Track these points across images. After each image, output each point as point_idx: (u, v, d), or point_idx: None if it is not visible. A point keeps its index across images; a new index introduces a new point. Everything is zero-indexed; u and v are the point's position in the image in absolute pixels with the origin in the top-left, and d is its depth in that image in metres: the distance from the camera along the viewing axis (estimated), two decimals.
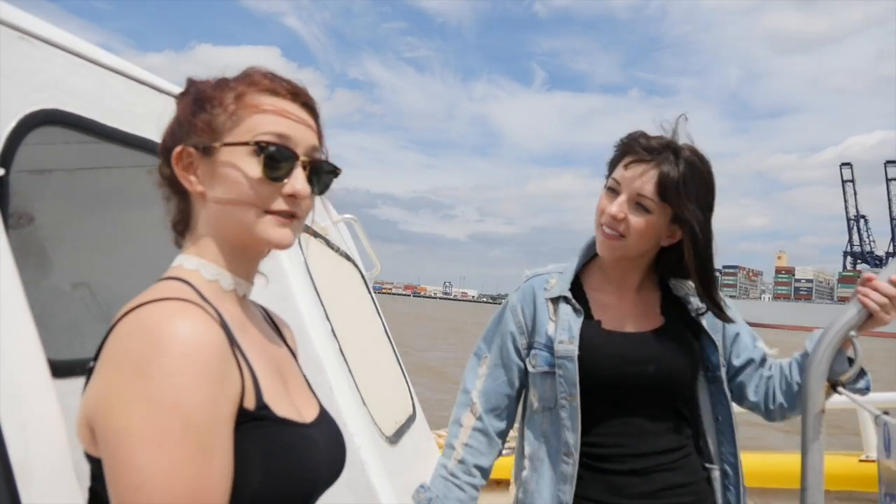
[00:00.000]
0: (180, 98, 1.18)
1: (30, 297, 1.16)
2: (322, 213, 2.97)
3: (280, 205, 1.12)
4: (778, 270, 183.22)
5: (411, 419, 2.98)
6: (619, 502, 1.87)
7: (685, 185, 1.82)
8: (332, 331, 2.39)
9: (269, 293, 2.16)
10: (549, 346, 1.94)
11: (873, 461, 3.41)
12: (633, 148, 1.87)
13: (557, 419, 1.92)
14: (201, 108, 1.13)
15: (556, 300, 1.98)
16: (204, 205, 1.13)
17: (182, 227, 1.18)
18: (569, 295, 1.97)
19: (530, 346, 2.00)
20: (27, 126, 1.33)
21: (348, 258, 3.14)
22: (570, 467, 1.88)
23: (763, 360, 2.04)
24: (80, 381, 0.99)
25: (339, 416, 2.18)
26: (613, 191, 1.88)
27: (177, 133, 1.15)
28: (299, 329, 2.21)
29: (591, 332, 1.92)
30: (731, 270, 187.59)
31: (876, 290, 1.78)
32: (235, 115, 1.12)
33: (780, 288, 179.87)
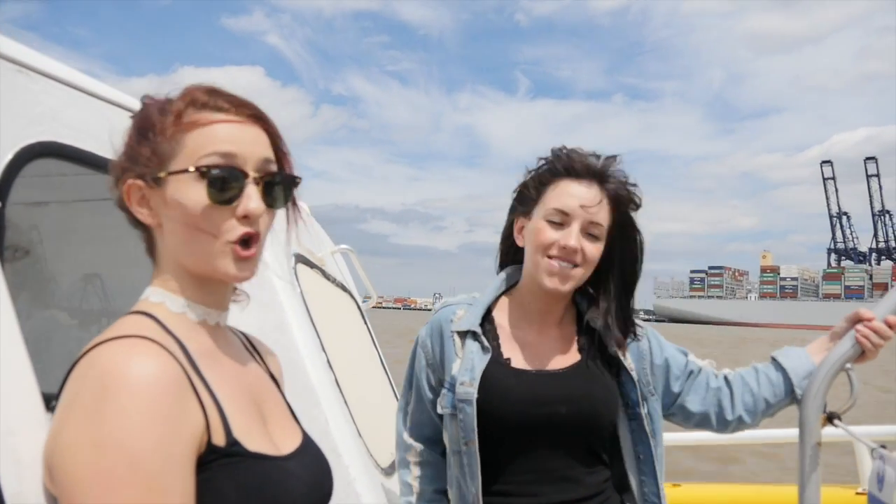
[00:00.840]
0: (132, 121, 1.14)
1: (24, 329, 1.16)
2: (318, 244, 2.97)
3: (236, 230, 1.07)
4: (763, 270, 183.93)
5: None
6: None
7: (634, 205, 1.83)
8: (328, 362, 2.39)
9: (264, 324, 2.16)
10: (453, 386, 1.82)
11: None
12: (575, 170, 1.79)
13: (461, 466, 1.81)
14: (144, 136, 1.09)
15: (463, 334, 1.86)
16: (161, 236, 1.11)
17: (151, 256, 1.15)
18: (478, 330, 1.84)
19: (440, 384, 1.89)
20: (23, 158, 1.33)
21: (344, 289, 3.14)
22: None
23: (700, 371, 1.95)
24: None
25: (334, 448, 2.17)
26: (559, 222, 1.77)
27: (124, 163, 1.11)
28: (295, 360, 2.21)
29: (498, 373, 1.80)
30: (717, 271, 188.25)
31: (875, 331, 1.79)
32: (175, 138, 1.06)
33: (765, 287, 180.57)
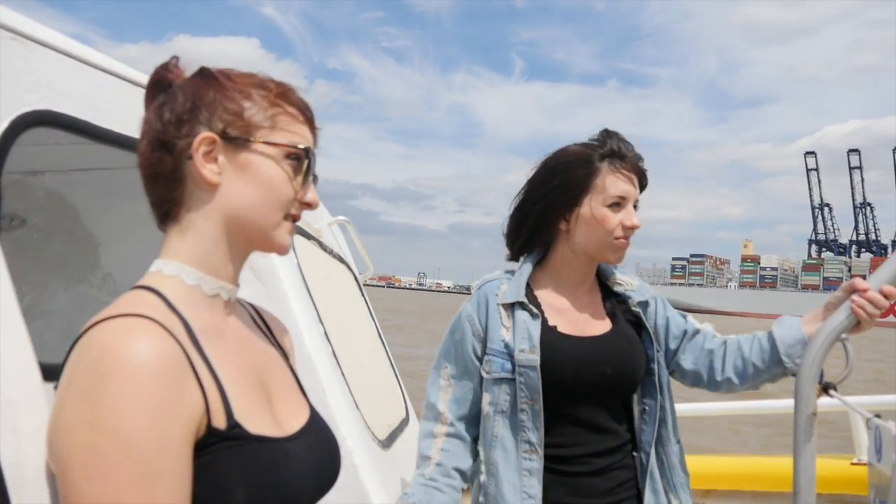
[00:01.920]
0: (195, 79, 1.12)
1: (21, 299, 1.15)
2: (315, 216, 2.96)
3: (297, 210, 1.15)
4: (744, 259, 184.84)
5: (404, 422, 2.98)
6: (581, 502, 1.94)
7: (646, 181, 2.09)
8: (325, 333, 2.39)
9: (261, 295, 2.16)
10: (505, 353, 1.98)
11: (865, 464, 3.42)
12: (620, 155, 2.01)
13: (515, 422, 1.96)
14: (228, 95, 1.10)
15: (509, 306, 2.03)
16: (210, 197, 1.09)
17: (165, 218, 1.13)
18: (525, 300, 2.02)
19: (484, 353, 2.04)
20: (19, 127, 1.32)
21: (341, 260, 3.14)
22: (536, 463, 1.93)
23: (697, 332, 2.13)
24: None
25: (331, 420, 2.18)
26: (618, 205, 1.99)
27: (192, 115, 1.09)
28: (292, 332, 2.21)
29: (551, 337, 1.98)
30: (699, 259, 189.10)
31: (871, 301, 1.80)
32: (268, 114, 1.11)
33: (745, 276, 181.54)
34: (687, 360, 2.11)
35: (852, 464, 3.55)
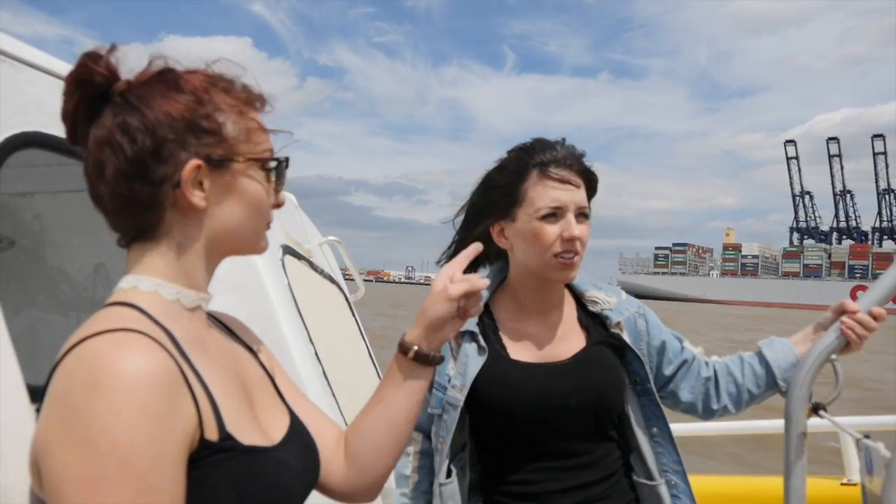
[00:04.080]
0: (156, 89, 1.04)
1: (9, 320, 1.15)
2: (306, 236, 2.96)
3: (272, 214, 1.16)
4: (725, 247, 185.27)
5: None
6: None
7: (596, 179, 1.87)
8: (316, 354, 2.38)
9: (252, 315, 2.15)
10: (444, 387, 1.85)
11: (855, 484, 3.42)
12: (546, 155, 1.80)
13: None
14: (203, 112, 1.05)
15: (459, 335, 1.85)
16: (193, 219, 1.06)
17: (134, 239, 1.08)
18: (475, 330, 1.85)
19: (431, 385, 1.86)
20: (8, 149, 1.32)
21: (332, 280, 3.13)
22: None
23: (693, 360, 1.99)
24: None
25: None
26: (553, 216, 1.77)
27: (172, 140, 1.02)
28: (282, 352, 2.20)
29: (505, 370, 1.82)
30: (681, 248, 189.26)
31: (860, 323, 1.80)
32: (241, 126, 1.08)
33: (727, 265, 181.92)
34: (684, 391, 1.97)
35: (842, 484, 3.54)
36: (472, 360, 1.83)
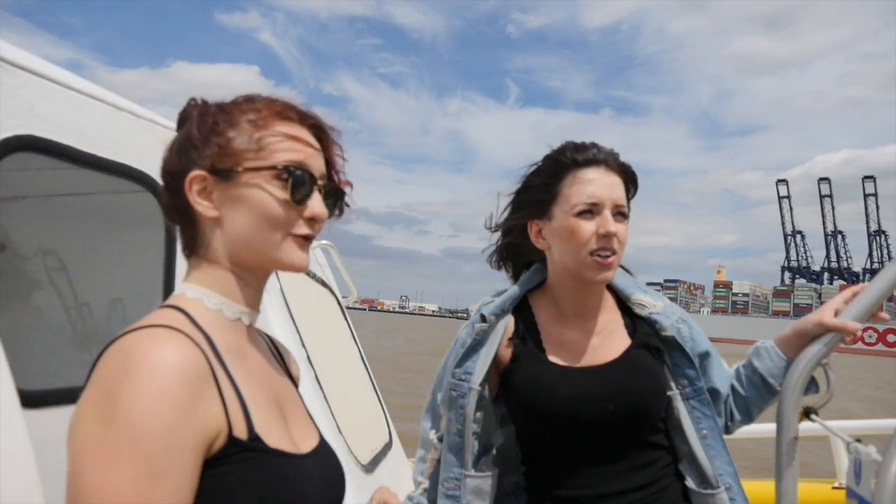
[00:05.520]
0: (192, 117, 1.15)
1: (1, 325, 1.15)
2: None
3: (301, 228, 1.14)
4: (716, 285, 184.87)
5: (387, 447, 2.96)
6: None
7: (637, 180, 1.87)
8: (308, 358, 2.38)
9: None
10: (469, 374, 1.86)
11: (846, 488, 3.44)
12: (586, 154, 1.80)
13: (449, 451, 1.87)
14: (215, 129, 1.12)
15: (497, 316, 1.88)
16: (216, 230, 1.13)
17: (189, 252, 1.17)
18: (494, 315, 1.88)
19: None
20: (1, 152, 1.31)
21: (324, 285, 3.13)
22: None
23: (732, 376, 1.96)
24: (52, 411, 0.98)
25: None
26: (589, 212, 1.76)
27: (186, 155, 1.12)
28: None
29: (543, 371, 1.81)
30: (672, 284, 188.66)
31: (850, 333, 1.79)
32: (254, 138, 1.12)
33: (718, 302, 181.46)
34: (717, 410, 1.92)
35: (833, 488, 3.56)
36: (487, 349, 1.85)
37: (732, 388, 1.95)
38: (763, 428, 3.80)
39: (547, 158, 1.86)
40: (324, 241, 3.16)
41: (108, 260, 1.80)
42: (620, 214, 1.78)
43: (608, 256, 1.76)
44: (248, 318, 1.17)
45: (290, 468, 1.07)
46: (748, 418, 1.97)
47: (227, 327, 1.12)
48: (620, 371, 1.81)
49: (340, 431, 2.38)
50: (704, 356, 1.92)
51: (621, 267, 1.95)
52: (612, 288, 1.95)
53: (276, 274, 2.44)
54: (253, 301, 1.18)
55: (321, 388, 2.38)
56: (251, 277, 1.16)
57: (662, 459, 1.85)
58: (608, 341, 1.87)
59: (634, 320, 1.91)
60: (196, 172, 1.10)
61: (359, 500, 2.26)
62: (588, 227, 1.75)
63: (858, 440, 1.75)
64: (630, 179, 1.85)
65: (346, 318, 3.29)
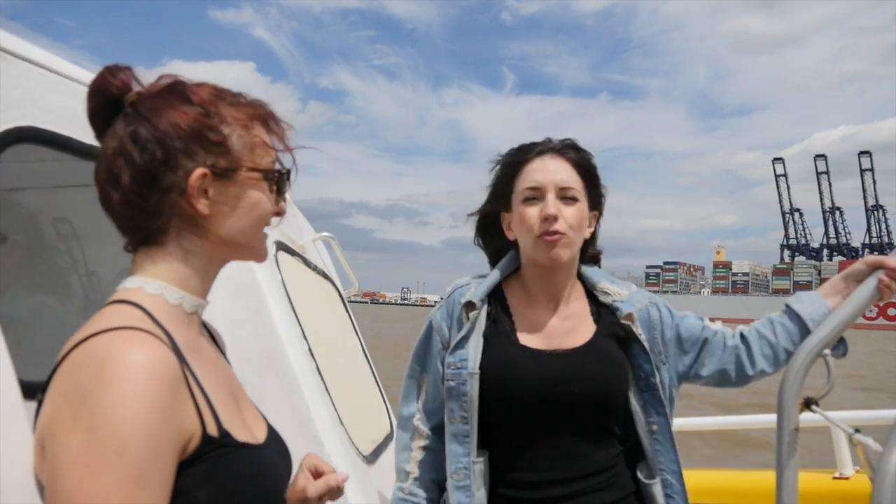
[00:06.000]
0: (166, 101, 1.10)
1: (1, 316, 1.15)
2: (300, 232, 2.96)
3: (273, 221, 1.20)
4: (716, 265, 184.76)
5: (389, 438, 2.96)
6: None
7: (595, 168, 1.94)
8: (310, 350, 2.38)
9: (246, 311, 2.15)
10: (465, 360, 1.87)
11: (846, 478, 3.44)
12: (534, 150, 1.90)
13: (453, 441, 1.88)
14: (209, 124, 1.10)
15: (471, 307, 1.91)
16: (195, 225, 1.11)
17: (139, 244, 1.13)
18: (481, 301, 1.91)
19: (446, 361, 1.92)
20: (1, 144, 1.31)
21: (325, 276, 3.13)
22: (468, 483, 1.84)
23: (714, 335, 1.98)
24: None
25: (316, 436, 2.17)
26: (533, 198, 1.85)
27: (181, 149, 1.08)
28: (276, 348, 2.20)
29: (512, 352, 1.86)
30: (672, 266, 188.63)
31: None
32: (249, 139, 1.14)
33: (718, 282, 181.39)
34: (710, 366, 1.97)
35: (834, 478, 3.56)
36: (476, 334, 1.88)
37: (760, 336, 1.98)
38: (763, 419, 3.80)
39: (505, 154, 1.98)
40: (324, 233, 3.16)
41: (109, 252, 1.80)
42: (569, 197, 1.86)
43: (554, 235, 1.82)
44: (202, 308, 1.18)
45: (257, 460, 1.09)
46: (773, 366, 1.97)
47: (184, 322, 1.11)
48: (588, 356, 1.87)
49: (342, 422, 2.38)
50: (679, 333, 1.98)
51: (592, 259, 2.07)
52: (581, 278, 2.02)
53: (278, 266, 2.44)
54: (206, 290, 1.19)
55: (322, 379, 2.38)
56: (214, 269, 1.17)
57: (615, 448, 1.91)
58: (578, 327, 1.93)
59: (600, 308, 1.97)
60: (202, 170, 1.08)
61: (360, 491, 2.27)
62: (532, 211, 1.85)
63: (858, 430, 1.76)
64: (583, 168, 1.91)
65: (347, 310, 3.29)
